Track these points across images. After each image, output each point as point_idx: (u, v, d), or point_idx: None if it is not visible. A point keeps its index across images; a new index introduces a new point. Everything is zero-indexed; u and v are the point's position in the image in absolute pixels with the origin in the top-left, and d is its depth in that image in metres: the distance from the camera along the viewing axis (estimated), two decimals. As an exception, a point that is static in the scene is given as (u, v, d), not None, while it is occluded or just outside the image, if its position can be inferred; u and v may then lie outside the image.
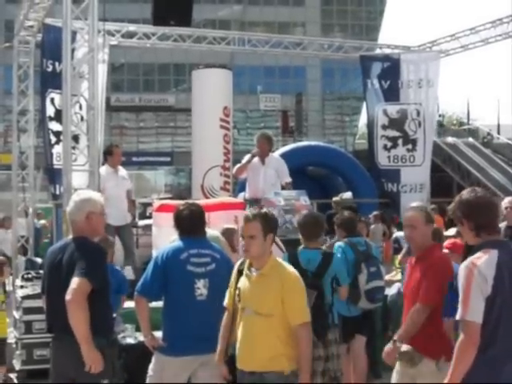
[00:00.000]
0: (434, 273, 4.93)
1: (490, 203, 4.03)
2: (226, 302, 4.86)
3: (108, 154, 10.52)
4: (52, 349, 4.85)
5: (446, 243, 6.84)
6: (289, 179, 9.87)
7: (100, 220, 4.98)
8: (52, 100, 12.02)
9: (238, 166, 10.21)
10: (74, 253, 4.68)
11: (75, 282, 4.50)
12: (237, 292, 4.68)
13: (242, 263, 4.78)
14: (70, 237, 4.93)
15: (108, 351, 4.67)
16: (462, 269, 3.84)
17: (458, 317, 3.78)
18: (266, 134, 10.33)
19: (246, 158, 10.00)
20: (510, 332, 3.78)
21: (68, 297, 4.48)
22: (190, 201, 6.14)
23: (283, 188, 9.74)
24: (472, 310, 3.72)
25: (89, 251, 4.72)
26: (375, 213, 14.10)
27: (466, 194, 4.08)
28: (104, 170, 10.30)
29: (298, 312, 4.52)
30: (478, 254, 3.86)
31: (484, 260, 3.79)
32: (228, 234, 8.08)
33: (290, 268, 4.66)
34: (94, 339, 4.54)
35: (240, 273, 4.75)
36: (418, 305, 4.88)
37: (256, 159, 9.91)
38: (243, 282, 4.67)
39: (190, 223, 5.39)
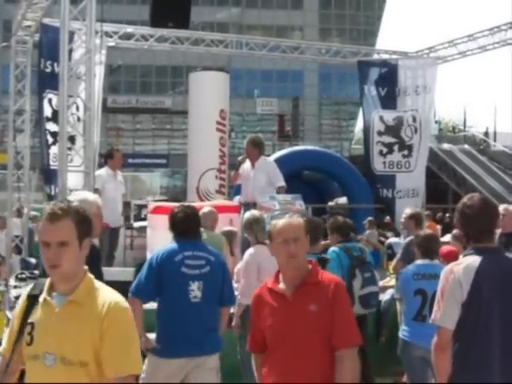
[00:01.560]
0: (346, 303, 3.81)
1: (482, 213, 3.99)
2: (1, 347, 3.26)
3: (109, 157, 10.59)
4: None
5: (442, 249, 6.85)
6: (281, 183, 9.69)
7: (96, 221, 4.97)
8: (49, 100, 12.00)
9: (232, 174, 10.31)
10: None
11: None
12: (27, 330, 3.08)
13: (35, 287, 3.18)
14: None
15: None
16: (441, 273, 3.95)
17: (431, 319, 3.95)
18: (252, 138, 10.16)
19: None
20: (490, 337, 3.81)
21: None
22: (186, 203, 6.15)
23: (277, 192, 9.68)
24: (443, 315, 3.84)
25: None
26: (370, 219, 14.11)
27: (462, 201, 4.11)
28: (104, 171, 10.38)
29: (122, 359, 2.97)
30: (460, 261, 3.98)
31: (462, 266, 3.86)
32: (228, 236, 8.08)
33: (114, 293, 3.12)
34: None
35: (32, 301, 3.14)
36: (351, 350, 3.67)
37: (248, 164, 9.87)
38: (39, 315, 3.07)
39: (185, 225, 5.40)
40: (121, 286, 7.15)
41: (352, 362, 3.65)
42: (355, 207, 16.06)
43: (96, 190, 10.16)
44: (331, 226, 7.50)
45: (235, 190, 13.72)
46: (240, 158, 9.93)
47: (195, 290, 5.18)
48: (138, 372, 3.07)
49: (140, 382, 5.27)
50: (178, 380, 5.20)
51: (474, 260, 3.86)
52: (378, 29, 57.39)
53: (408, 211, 9.20)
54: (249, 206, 9.23)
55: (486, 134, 39.80)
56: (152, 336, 5.29)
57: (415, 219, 9.00)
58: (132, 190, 30.06)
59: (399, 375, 7.40)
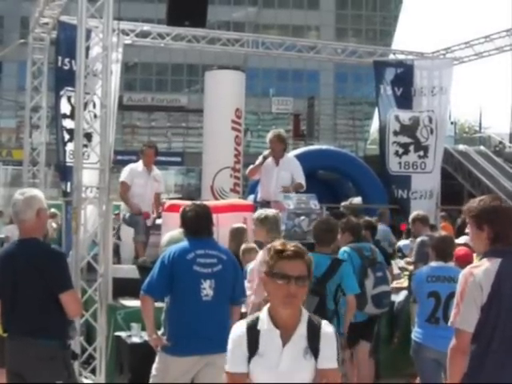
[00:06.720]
0: None
1: (510, 213, 4.00)
2: None
3: (140, 152, 10.56)
4: (8, 348, 4.74)
5: (457, 252, 6.82)
6: (303, 182, 9.46)
7: (47, 216, 5.00)
8: (66, 98, 12.04)
9: (251, 167, 9.80)
10: (37, 258, 4.64)
11: (70, 297, 4.64)
12: None
13: None
14: (17, 239, 4.88)
15: (60, 354, 4.65)
16: (460, 276, 3.89)
17: (449, 322, 3.88)
18: (278, 133, 9.83)
19: (260, 159, 9.83)
20: (509, 340, 3.77)
21: (76, 313, 4.86)
22: (198, 201, 6.15)
23: (294, 187, 9.44)
24: (463, 318, 3.79)
25: (59, 260, 4.72)
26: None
27: (489, 202, 4.02)
28: (136, 165, 10.35)
29: None
30: (479, 262, 3.92)
31: (482, 269, 3.82)
32: (237, 233, 8.03)
33: None
34: (46, 342, 4.56)
35: None
36: None
37: (270, 160, 9.53)
38: None
39: (196, 224, 5.39)
40: (132, 284, 7.19)
41: None
42: (369, 207, 16.02)
43: (123, 184, 10.19)
44: (345, 225, 7.49)
45: (250, 189, 13.72)
46: (266, 153, 9.57)
47: (207, 288, 5.18)
48: None
49: (151, 379, 5.30)
50: (189, 378, 5.22)
51: (494, 262, 3.81)
52: (394, 29, 57.30)
53: (412, 215, 9.33)
54: (266, 205, 9.17)
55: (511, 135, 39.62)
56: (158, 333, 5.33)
57: (420, 221, 9.09)
58: (146, 188, 30.16)
59: (413, 377, 7.38)
